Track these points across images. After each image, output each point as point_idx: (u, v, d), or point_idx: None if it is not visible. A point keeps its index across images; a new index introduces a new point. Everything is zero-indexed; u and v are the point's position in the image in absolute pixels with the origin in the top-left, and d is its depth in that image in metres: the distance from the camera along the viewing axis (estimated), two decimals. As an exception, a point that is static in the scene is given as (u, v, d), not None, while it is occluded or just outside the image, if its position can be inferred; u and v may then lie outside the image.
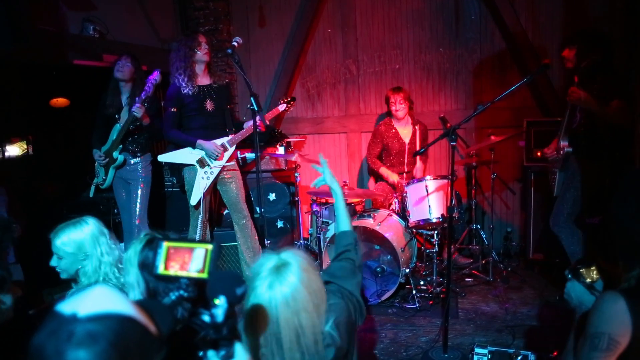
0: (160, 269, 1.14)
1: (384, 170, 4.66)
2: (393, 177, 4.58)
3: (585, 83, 3.30)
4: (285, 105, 4.14)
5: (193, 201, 3.93)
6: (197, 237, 3.96)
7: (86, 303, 0.84)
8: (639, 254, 1.42)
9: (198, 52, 3.86)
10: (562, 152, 3.49)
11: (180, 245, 1.14)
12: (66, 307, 0.84)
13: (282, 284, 1.44)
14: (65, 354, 0.78)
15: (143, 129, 3.97)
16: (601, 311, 1.40)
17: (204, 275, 1.09)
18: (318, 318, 1.48)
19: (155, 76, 3.78)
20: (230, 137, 3.95)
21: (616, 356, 1.39)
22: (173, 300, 1.09)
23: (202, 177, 3.93)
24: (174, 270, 1.13)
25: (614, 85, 3.30)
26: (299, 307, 1.43)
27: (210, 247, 1.10)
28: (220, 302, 1.07)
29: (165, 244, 1.14)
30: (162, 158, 4.05)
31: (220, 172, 3.96)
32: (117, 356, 0.81)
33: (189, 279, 1.11)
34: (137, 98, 3.78)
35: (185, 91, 3.87)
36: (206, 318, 1.07)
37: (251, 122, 3.74)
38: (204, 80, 3.97)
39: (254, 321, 1.43)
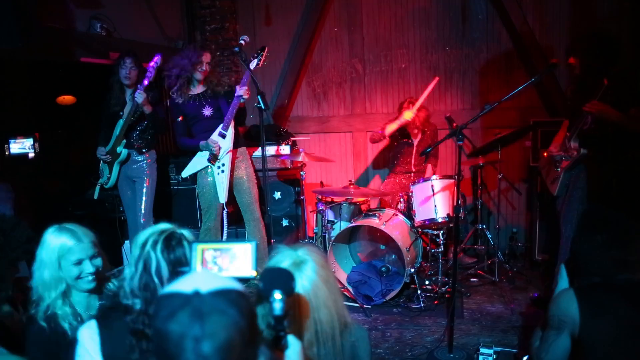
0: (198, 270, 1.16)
1: (400, 119, 4.39)
2: (407, 116, 4.36)
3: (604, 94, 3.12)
4: (256, 60, 3.86)
5: (221, 199, 3.95)
6: (225, 231, 4.07)
7: (203, 281, 0.89)
8: (583, 274, 1.91)
9: (197, 71, 3.88)
10: (575, 153, 3.34)
11: (215, 246, 1.15)
12: (183, 286, 0.88)
13: (302, 278, 1.46)
14: (195, 330, 0.83)
15: (145, 117, 3.92)
16: (555, 301, 1.87)
17: (252, 274, 1.12)
18: (336, 312, 1.50)
19: (157, 60, 3.75)
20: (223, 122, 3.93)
21: (567, 334, 1.79)
22: None
23: (218, 173, 3.97)
24: (215, 271, 1.15)
25: (631, 91, 3.16)
26: (319, 302, 1.47)
27: (251, 245, 1.12)
28: (278, 296, 1.12)
29: (200, 247, 1.15)
30: (185, 173, 4.09)
31: (232, 162, 3.97)
32: (245, 326, 0.87)
33: (237, 279, 1.14)
34: (139, 85, 3.75)
35: (180, 101, 3.94)
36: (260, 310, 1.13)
37: (237, 91, 3.81)
38: (198, 89, 3.99)
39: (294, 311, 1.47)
